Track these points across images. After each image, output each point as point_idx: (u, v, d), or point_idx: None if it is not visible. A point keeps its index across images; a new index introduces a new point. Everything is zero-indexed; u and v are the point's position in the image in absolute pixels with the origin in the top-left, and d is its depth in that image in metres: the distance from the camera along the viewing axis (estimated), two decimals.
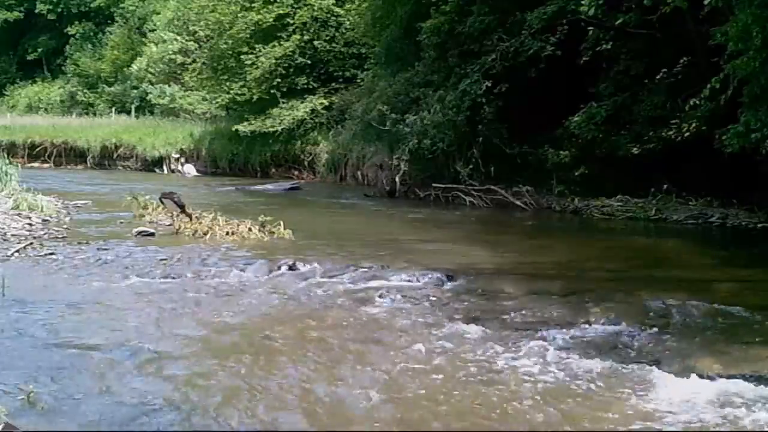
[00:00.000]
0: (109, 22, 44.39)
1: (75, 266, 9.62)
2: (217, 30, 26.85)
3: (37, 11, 47.01)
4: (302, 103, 25.10)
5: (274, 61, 24.72)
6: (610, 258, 10.87)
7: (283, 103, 25.10)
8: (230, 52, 26.39)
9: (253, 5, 25.43)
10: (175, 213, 12.86)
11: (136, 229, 12.18)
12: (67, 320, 7.24)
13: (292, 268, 9.47)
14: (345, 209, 17.50)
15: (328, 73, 25.54)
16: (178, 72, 33.71)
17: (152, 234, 12.04)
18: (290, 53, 24.82)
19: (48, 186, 18.24)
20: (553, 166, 15.93)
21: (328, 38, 25.16)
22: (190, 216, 12.59)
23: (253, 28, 25.37)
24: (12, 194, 14.39)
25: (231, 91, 26.10)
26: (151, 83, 36.26)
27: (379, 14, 20.91)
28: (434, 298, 8.07)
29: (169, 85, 35.00)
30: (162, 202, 13.44)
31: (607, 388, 5.46)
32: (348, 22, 24.92)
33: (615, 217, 14.57)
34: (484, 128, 16.57)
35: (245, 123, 25.42)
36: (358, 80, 24.13)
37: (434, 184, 17.78)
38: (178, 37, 32.97)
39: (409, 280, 8.82)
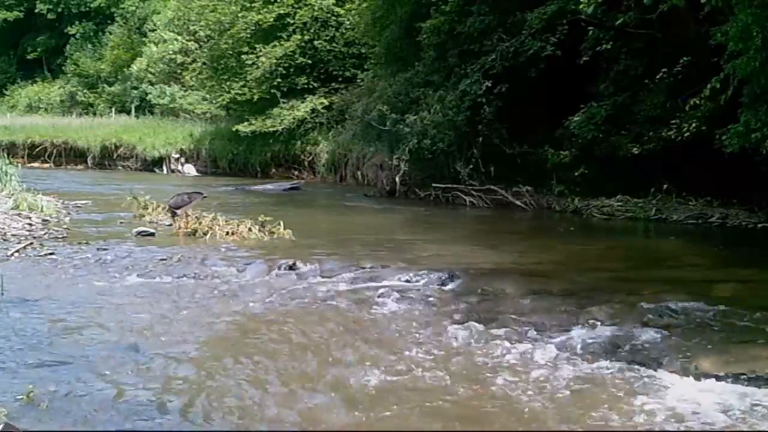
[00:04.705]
0: (109, 22, 44.36)
1: (75, 266, 9.62)
2: (218, 30, 26.85)
3: (37, 11, 47.00)
4: (302, 103, 25.11)
5: (274, 61, 24.72)
6: (610, 258, 10.87)
7: (284, 103, 25.11)
8: (230, 52, 26.40)
9: (253, 5, 25.44)
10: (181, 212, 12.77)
11: (136, 229, 12.18)
12: (67, 320, 7.24)
13: (292, 268, 9.46)
14: (345, 209, 17.50)
15: (328, 73, 25.55)
16: (179, 72, 33.71)
17: (152, 234, 12.04)
18: (290, 53, 24.83)
19: (48, 186, 18.24)
20: (553, 166, 15.90)
21: (328, 38, 25.17)
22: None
23: (253, 28, 25.38)
24: (12, 194, 14.39)
25: (231, 91, 26.09)
26: (151, 83, 36.25)
27: (379, 14, 20.90)
28: (434, 298, 8.06)
29: (169, 85, 34.99)
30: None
31: (606, 388, 5.46)
32: (348, 22, 24.92)
33: (615, 217, 14.57)
34: (484, 128, 16.56)
35: (245, 123, 25.43)
36: (358, 80, 24.13)
37: (434, 184, 17.77)
38: (179, 37, 32.98)
39: (409, 280, 8.82)
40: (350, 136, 21.75)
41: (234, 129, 25.99)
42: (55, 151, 32.13)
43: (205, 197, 12.72)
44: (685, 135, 13.24)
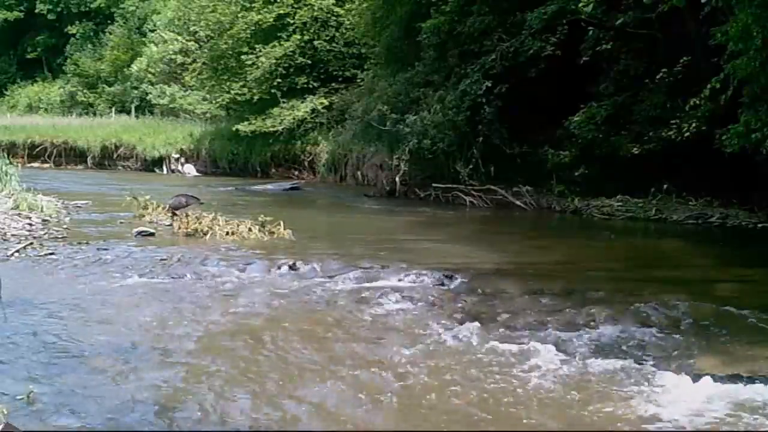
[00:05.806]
0: (109, 22, 44.36)
1: (75, 266, 9.62)
2: (218, 30, 26.84)
3: (37, 11, 47.00)
4: (302, 103, 25.10)
5: (274, 61, 24.71)
6: (610, 258, 10.88)
7: (284, 103, 25.10)
8: (230, 52, 26.39)
9: (253, 5, 25.43)
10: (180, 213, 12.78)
11: (136, 229, 12.17)
12: (67, 320, 7.24)
13: (292, 268, 9.47)
14: (345, 209, 17.49)
15: (328, 73, 25.53)
16: (179, 72, 33.70)
17: (152, 234, 12.04)
18: (290, 53, 24.82)
19: (48, 186, 18.22)
20: (553, 166, 15.91)
21: (328, 38, 25.16)
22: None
23: (253, 28, 25.37)
24: (12, 194, 14.37)
25: (231, 91, 26.08)
26: (151, 83, 36.24)
27: (379, 14, 20.91)
28: (434, 298, 8.07)
29: (169, 86, 34.99)
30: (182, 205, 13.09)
31: (606, 388, 5.46)
32: (348, 22, 24.90)
33: (615, 217, 14.57)
34: (484, 128, 16.56)
35: (245, 123, 25.41)
36: (358, 80, 24.12)
37: (434, 184, 17.76)
38: (179, 37, 32.95)
39: (409, 280, 8.82)
40: (350, 136, 21.75)
41: (234, 129, 25.98)
42: (55, 151, 32.09)
43: (202, 203, 12.71)
44: (685, 135, 13.25)
